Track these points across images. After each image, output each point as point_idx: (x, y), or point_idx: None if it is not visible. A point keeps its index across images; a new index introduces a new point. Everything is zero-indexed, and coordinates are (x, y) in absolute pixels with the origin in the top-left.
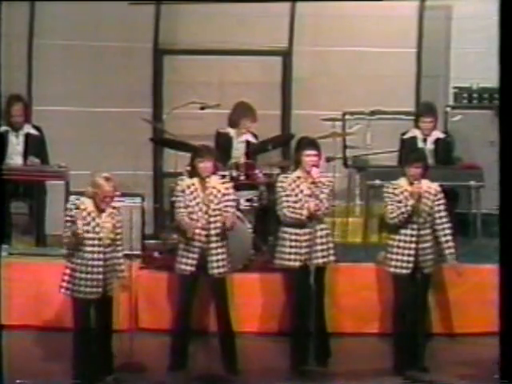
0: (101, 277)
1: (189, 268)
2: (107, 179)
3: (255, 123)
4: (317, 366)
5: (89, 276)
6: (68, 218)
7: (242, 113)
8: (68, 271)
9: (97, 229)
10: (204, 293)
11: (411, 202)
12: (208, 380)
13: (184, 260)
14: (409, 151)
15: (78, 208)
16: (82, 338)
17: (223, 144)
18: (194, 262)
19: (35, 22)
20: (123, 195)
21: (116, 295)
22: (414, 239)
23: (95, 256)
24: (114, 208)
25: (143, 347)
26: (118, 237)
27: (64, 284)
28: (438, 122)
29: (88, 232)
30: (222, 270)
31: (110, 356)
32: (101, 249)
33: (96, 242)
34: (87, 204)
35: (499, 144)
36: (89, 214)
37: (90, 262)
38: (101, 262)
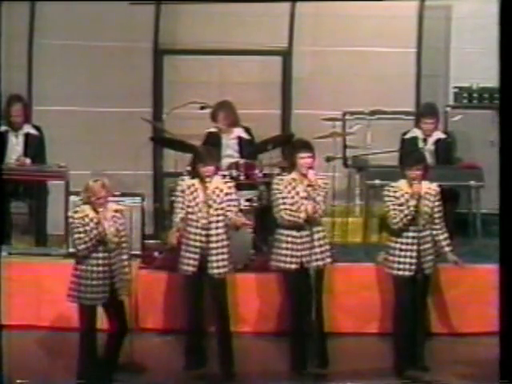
0: (107, 282)
1: (191, 269)
2: (96, 181)
3: (230, 119)
4: (316, 367)
5: (94, 282)
6: (75, 226)
7: (218, 107)
8: (74, 279)
9: (101, 234)
10: (206, 292)
11: (412, 202)
12: (208, 380)
13: (186, 261)
14: (409, 153)
15: (79, 216)
16: (87, 340)
17: (211, 143)
18: (196, 263)
19: (35, 22)
20: (123, 195)
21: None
22: (415, 241)
23: (100, 262)
24: (116, 211)
25: (143, 347)
26: (123, 239)
27: (70, 292)
28: (439, 122)
29: (91, 239)
30: (222, 271)
31: (116, 358)
32: (106, 254)
33: (100, 247)
34: (87, 210)
35: (499, 144)
36: (91, 220)
37: (95, 268)
38: (106, 268)
